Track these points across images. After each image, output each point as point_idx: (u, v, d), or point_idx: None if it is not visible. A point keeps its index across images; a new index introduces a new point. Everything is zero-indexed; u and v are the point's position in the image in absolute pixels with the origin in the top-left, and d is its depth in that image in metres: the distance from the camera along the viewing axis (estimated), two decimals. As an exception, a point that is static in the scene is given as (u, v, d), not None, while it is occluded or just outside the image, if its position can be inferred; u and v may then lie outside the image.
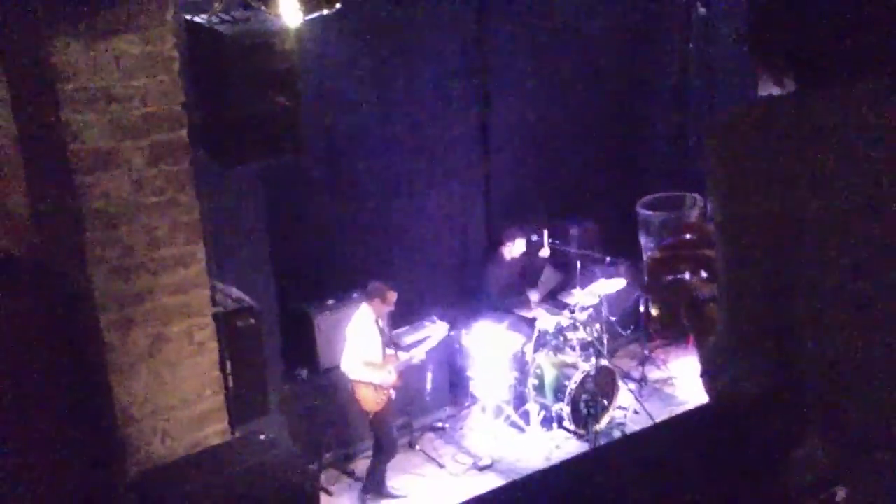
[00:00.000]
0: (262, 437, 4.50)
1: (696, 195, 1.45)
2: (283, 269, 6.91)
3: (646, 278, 1.44)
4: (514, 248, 8.20)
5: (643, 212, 1.45)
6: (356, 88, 7.50)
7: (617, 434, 7.64)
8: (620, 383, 7.88)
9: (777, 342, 1.17)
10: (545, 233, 8.41)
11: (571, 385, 7.41)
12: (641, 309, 8.57)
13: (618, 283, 8.31)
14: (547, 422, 7.72)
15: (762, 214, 1.13)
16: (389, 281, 6.97)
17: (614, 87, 9.19)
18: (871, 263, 1.07)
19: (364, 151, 7.67)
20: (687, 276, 1.41)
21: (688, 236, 1.42)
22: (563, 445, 7.51)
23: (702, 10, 8.90)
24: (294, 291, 7.19)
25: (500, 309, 8.07)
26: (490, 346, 7.66)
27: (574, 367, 7.56)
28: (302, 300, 7.32)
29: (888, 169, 1.06)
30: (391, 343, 7.01)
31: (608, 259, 8.27)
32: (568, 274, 8.54)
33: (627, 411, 7.89)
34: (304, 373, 7.14)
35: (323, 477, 7.06)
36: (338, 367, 6.96)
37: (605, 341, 8.26)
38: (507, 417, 7.80)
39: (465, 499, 4.51)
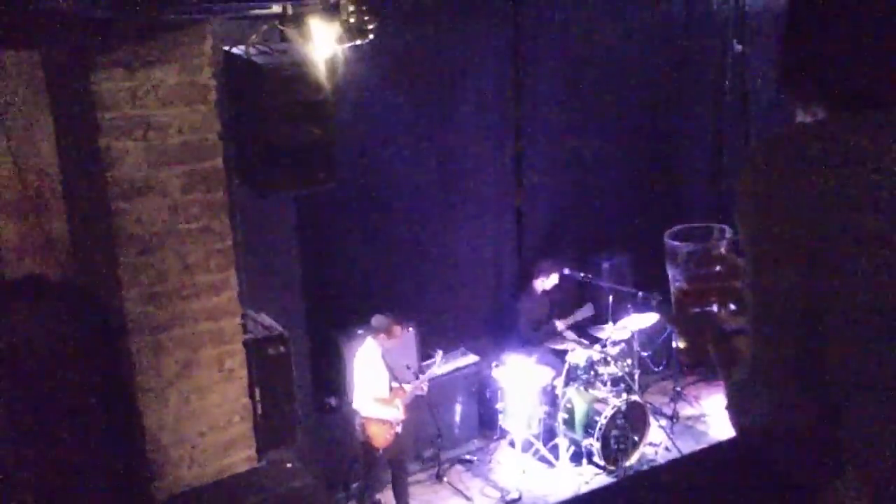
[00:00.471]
0: (289, 465, 4.50)
1: (725, 226, 1.44)
2: (313, 297, 6.94)
3: (673, 310, 1.43)
4: (547, 282, 8.18)
5: (671, 242, 1.44)
6: (391, 118, 7.55)
7: (647, 471, 7.55)
8: (651, 419, 7.80)
9: (807, 374, 1.16)
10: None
11: (602, 420, 7.34)
12: (674, 345, 8.49)
13: (650, 318, 8.25)
14: (576, 457, 7.65)
15: (793, 241, 1.12)
16: (420, 312, 6.97)
17: (649, 121, 9.19)
18: None
19: (397, 181, 7.71)
20: (714, 308, 1.40)
21: (716, 268, 1.41)
22: (592, 481, 7.43)
23: (738, 47, 8.89)
24: (324, 320, 7.21)
25: (531, 342, 8.04)
26: (520, 379, 7.62)
27: (605, 402, 7.49)
28: (332, 328, 7.34)
29: None
30: (396, 376, 6.93)
31: (640, 294, 8.21)
32: (599, 308, 8.49)
33: (658, 448, 7.80)
34: (332, 401, 7.14)
35: (349, 507, 7.03)
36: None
37: (637, 377, 8.19)
38: (536, 451, 7.73)
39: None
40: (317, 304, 7.04)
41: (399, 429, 6.75)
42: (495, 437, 8.05)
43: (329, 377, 7.24)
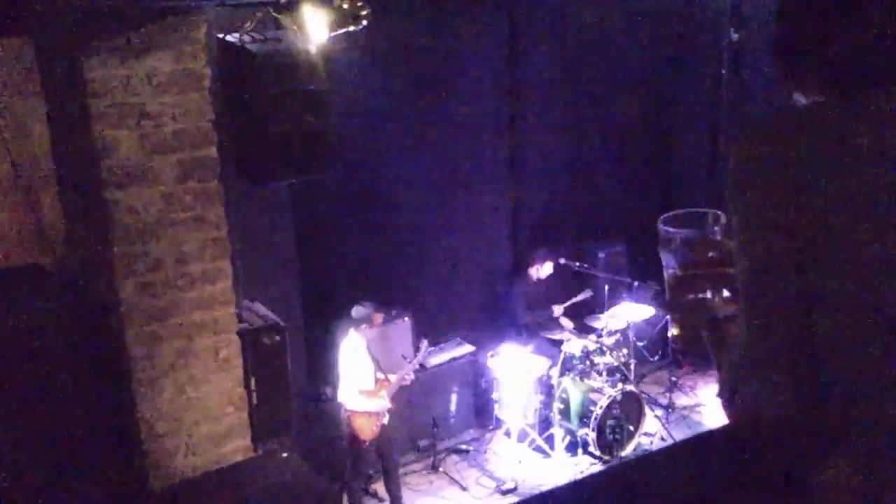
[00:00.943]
0: (284, 454, 4.50)
1: (719, 212, 1.43)
2: (309, 287, 6.92)
3: (666, 296, 1.42)
4: (542, 270, 8.17)
5: (665, 228, 1.43)
6: (386, 108, 7.52)
7: (643, 461, 7.56)
8: (647, 409, 7.80)
9: (799, 361, 1.15)
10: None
11: (597, 410, 7.34)
12: (669, 335, 8.47)
13: (645, 310, 8.25)
14: (572, 447, 7.65)
15: (785, 224, 1.11)
16: (415, 302, 6.95)
17: (645, 111, 9.17)
18: None
19: (393, 171, 7.68)
20: (708, 294, 1.39)
21: (710, 254, 1.40)
22: (587, 471, 7.43)
23: (734, 35, 8.87)
24: (320, 310, 7.19)
25: (526, 328, 8.03)
26: (515, 369, 7.62)
27: (600, 392, 7.49)
28: (328, 318, 7.32)
29: None
30: (381, 367, 6.89)
31: (636, 283, 8.21)
32: (595, 298, 8.49)
33: (654, 438, 7.80)
34: (328, 391, 7.13)
35: (345, 497, 7.02)
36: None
37: (633, 367, 8.18)
38: (532, 441, 7.73)
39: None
40: (313, 294, 7.03)
41: (385, 420, 6.72)
42: (491, 427, 8.05)
43: (325, 367, 7.23)
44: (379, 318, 6.69)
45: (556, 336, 8.06)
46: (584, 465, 7.50)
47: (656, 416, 7.97)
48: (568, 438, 7.65)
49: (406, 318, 7.54)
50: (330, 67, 4.56)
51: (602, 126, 8.87)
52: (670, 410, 8.29)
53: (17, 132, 4.56)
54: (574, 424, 7.55)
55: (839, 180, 1.07)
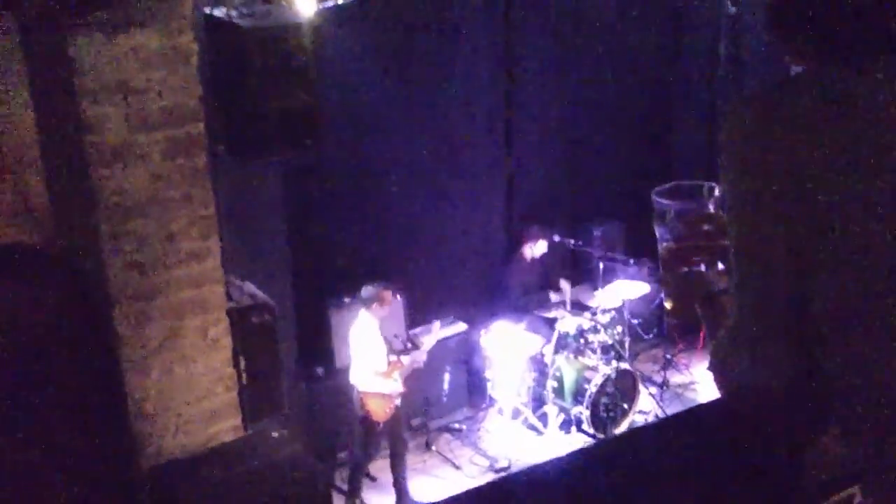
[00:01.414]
0: (275, 434, 4.46)
1: (713, 184, 1.39)
2: (300, 266, 6.88)
3: (660, 270, 1.38)
4: (536, 248, 8.13)
5: (659, 201, 1.39)
6: (378, 86, 7.45)
7: (636, 439, 7.56)
8: (641, 387, 7.79)
9: (792, 331, 1.12)
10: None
11: (591, 388, 7.33)
12: (667, 306, 8.45)
13: (640, 288, 8.23)
14: (566, 425, 7.64)
15: (778, 194, 1.07)
16: (408, 280, 6.91)
17: (641, 86, 9.10)
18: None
19: (386, 149, 7.62)
20: (702, 267, 1.35)
21: (704, 227, 1.36)
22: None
23: (731, 8, 8.78)
24: (311, 289, 7.15)
25: (520, 309, 8.00)
26: (509, 347, 7.60)
27: (594, 369, 7.48)
28: (319, 298, 7.28)
29: None
30: (395, 349, 6.88)
31: (631, 261, 8.18)
32: (590, 275, 8.46)
33: (648, 416, 7.80)
34: (319, 371, 7.11)
35: (336, 476, 7.02)
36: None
37: (627, 344, 8.18)
38: (525, 420, 7.73)
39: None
40: (304, 273, 6.99)
41: (398, 402, 6.69)
42: (484, 406, 8.04)
43: (316, 347, 7.20)
44: (389, 296, 6.64)
45: (550, 314, 8.04)
46: (578, 443, 7.49)
47: (651, 394, 7.97)
48: (562, 416, 7.64)
49: (398, 297, 7.50)
50: (320, 42, 4.50)
51: (598, 102, 8.81)
52: (665, 388, 8.28)
53: (1, 109, 4.49)
54: (568, 402, 7.54)
55: (834, 147, 1.03)
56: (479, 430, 7.87)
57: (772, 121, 1.08)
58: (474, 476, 7.24)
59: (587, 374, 7.48)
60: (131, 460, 4.33)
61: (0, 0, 4.26)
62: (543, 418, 7.68)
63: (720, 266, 1.33)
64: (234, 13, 4.30)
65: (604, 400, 7.40)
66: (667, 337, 8.73)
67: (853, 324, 1.05)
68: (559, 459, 4.76)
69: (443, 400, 7.87)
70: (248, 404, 4.58)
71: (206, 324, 4.39)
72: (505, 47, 8.18)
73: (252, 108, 4.35)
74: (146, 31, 4.05)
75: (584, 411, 7.37)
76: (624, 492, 1.17)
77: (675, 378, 8.50)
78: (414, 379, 7.09)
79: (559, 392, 7.60)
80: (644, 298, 8.43)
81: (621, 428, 7.53)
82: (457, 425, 7.90)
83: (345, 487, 6.95)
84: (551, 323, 7.87)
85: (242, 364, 4.49)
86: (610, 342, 7.81)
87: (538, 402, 7.73)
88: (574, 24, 8.48)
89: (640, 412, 7.78)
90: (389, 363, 6.68)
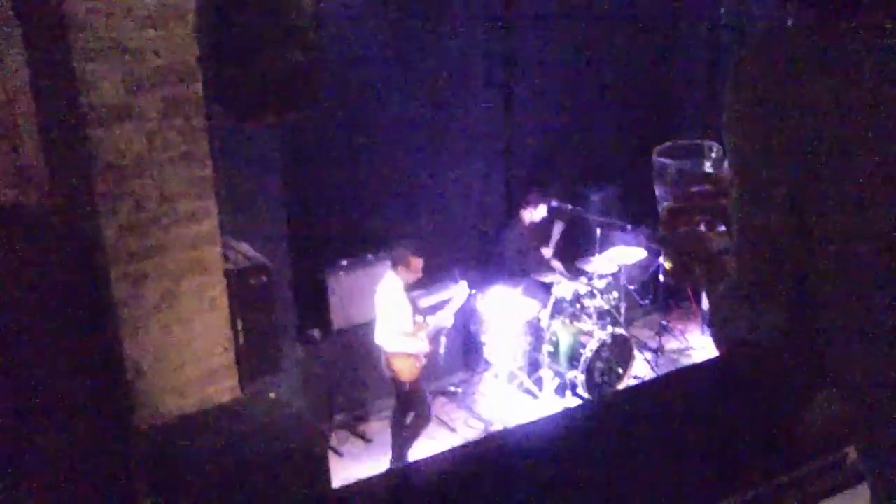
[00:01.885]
0: (271, 395, 4.48)
1: (715, 143, 1.38)
2: (297, 229, 6.87)
3: (660, 229, 1.37)
4: (535, 213, 8.12)
5: (659, 160, 1.38)
6: (377, 48, 7.40)
7: (631, 403, 7.59)
8: (636, 352, 7.83)
9: (791, 290, 1.11)
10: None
11: (587, 353, 7.36)
12: (661, 278, 8.49)
13: (637, 253, 8.23)
14: (560, 389, 7.68)
15: (779, 147, 1.06)
16: (405, 242, 6.89)
17: (641, 52, 9.04)
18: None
19: (384, 112, 7.58)
20: (702, 227, 1.34)
21: (705, 186, 1.35)
22: (576, 413, 7.47)
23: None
24: (308, 251, 7.15)
25: (517, 273, 8.01)
26: (505, 311, 7.61)
27: (590, 334, 7.50)
28: (315, 261, 7.28)
29: None
30: (420, 309, 6.91)
31: (628, 226, 8.18)
32: (587, 240, 8.46)
33: (643, 380, 7.84)
34: (316, 333, 7.12)
35: (334, 438, 7.06)
36: (351, 328, 6.92)
37: (623, 310, 8.20)
38: (521, 384, 7.76)
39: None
40: (301, 235, 6.98)
41: (424, 361, 6.75)
42: (480, 370, 8.07)
43: (313, 309, 7.21)
44: (415, 262, 6.60)
45: (547, 279, 8.05)
46: (573, 407, 7.53)
47: (646, 360, 8.01)
48: (557, 381, 7.68)
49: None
50: (318, 2, 4.44)
51: (598, 66, 8.76)
52: (660, 354, 8.32)
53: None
54: (563, 367, 7.57)
55: (836, 100, 1.01)
56: (474, 393, 7.91)
57: (775, 72, 1.07)
58: (469, 439, 7.28)
59: (583, 338, 7.50)
60: (128, 421, 4.34)
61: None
62: (539, 382, 7.72)
63: (721, 227, 1.32)
64: (230, -29, 4.24)
65: (599, 365, 7.43)
66: (663, 303, 8.75)
67: (854, 283, 1.05)
68: (551, 417, 4.79)
69: (439, 363, 7.88)
70: (244, 365, 4.59)
71: (203, 285, 4.39)
72: (504, 10, 8.11)
73: (249, 69, 4.30)
74: (142, -12, 4.01)
75: (579, 376, 7.40)
76: (617, 449, 1.18)
77: (671, 344, 8.54)
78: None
79: (554, 356, 7.63)
80: (641, 264, 8.44)
81: (616, 392, 7.57)
82: (452, 388, 7.94)
83: (341, 449, 7.00)
84: (548, 288, 7.88)
85: (239, 325, 4.49)
86: (606, 307, 7.83)
87: (534, 366, 7.77)
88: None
89: (634, 377, 7.81)
90: (415, 324, 6.71)
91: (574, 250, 8.56)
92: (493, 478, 1.16)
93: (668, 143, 1.40)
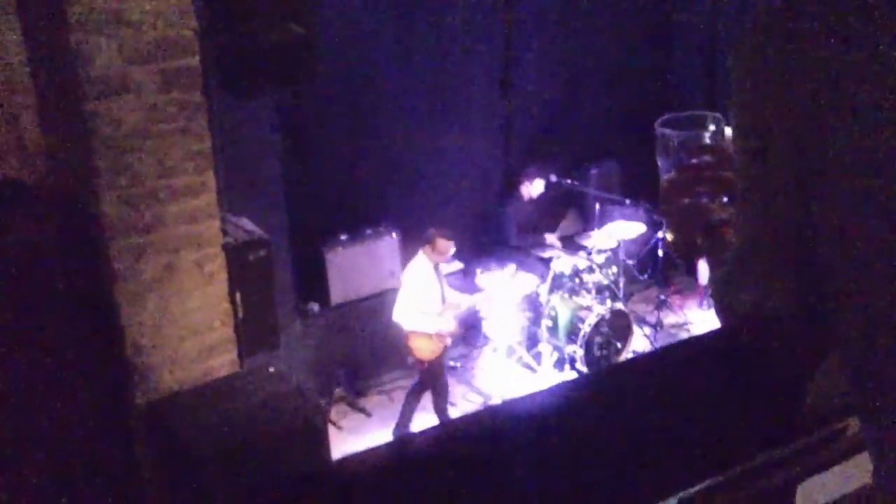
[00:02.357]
0: (271, 369, 4.48)
1: (718, 114, 1.36)
2: (295, 203, 6.85)
3: (661, 201, 1.36)
4: (533, 188, 8.10)
5: (662, 130, 1.36)
6: (375, 22, 7.35)
7: (629, 378, 7.62)
8: (635, 327, 7.84)
9: (797, 259, 1.10)
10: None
11: (585, 328, 7.37)
12: (660, 253, 8.49)
13: (636, 228, 8.22)
14: (559, 363, 7.70)
15: (788, 118, 1.04)
16: (405, 219, 6.89)
17: (641, 25, 8.98)
18: None
19: (382, 86, 7.55)
20: (704, 199, 1.33)
21: (707, 158, 1.34)
22: (575, 387, 7.49)
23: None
24: (306, 226, 7.13)
25: (515, 249, 8.00)
26: (504, 286, 7.61)
27: (589, 309, 7.51)
28: (314, 235, 7.27)
29: None
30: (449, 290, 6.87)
31: (628, 201, 8.17)
32: (586, 216, 8.45)
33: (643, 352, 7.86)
34: (315, 308, 7.12)
35: (333, 412, 7.08)
36: (349, 303, 6.92)
37: (622, 285, 8.20)
38: (519, 358, 7.78)
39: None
40: (299, 210, 6.96)
41: (449, 342, 6.72)
42: (479, 344, 8.08)
43: (312, 284, 7.21)
44: (442, 244, 6.56)
45: (546, 254, 8.05)
46: (572, 382, 7.55)
47: (644, 334, 8.02)
48: (555, 355, 7.69)
49: (394, 234, 7.50)
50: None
51: (597, 41, 8.71)
52: (658, 328, 8.33)
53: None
54: (562, 341, 7.58)
55: (847, 58, 0.99)
56: (473, 367, 7.93)
57: (787, 31, 1.05)
58: (468, 413, 7.31)
59: (581, 313, 7.51)
60: (127, 395, 4.35)
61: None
62: (537, 357, 7.74)
63: (724, 199, 1.31)
64: (228, -57, 4.21)
65: (597, 339, 7.44)
66: (662, 278, 8.76)
67: (863, 250, 1.03)
68: (553, 387, 4.80)
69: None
70: (243, 339, 4.60)
71: (201, 259, 4.39)
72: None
73: (247, 42, 4.28)
74: (139, -40, 3.97)
75: (577, 350, 7.41)
76: (617, 420, 1.18)
77: (669, 318, 8.55)
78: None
79: (553, 331, 7.64)
80: (640, 239, 8.44)
81: (614, 367, 7.59)
82: (452, 363, 7.95)
83: (340, 423, 7.03)
84: (547, 262, 7.88)
85: (238, 299, 4.49)
86: (605, 282, 7.83)
87: (532, 340, 7.78)
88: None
89: (633, 352, 7.83)
90: (446, 304, 6.68)
91: (573, 225, 8.55)
92: (492, 448, 1.16)
93: (671, 114, 1.39)
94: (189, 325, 4.41)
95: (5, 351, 4.05)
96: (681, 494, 1.33)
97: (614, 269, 8.12)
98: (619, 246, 8.17)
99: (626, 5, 8.72)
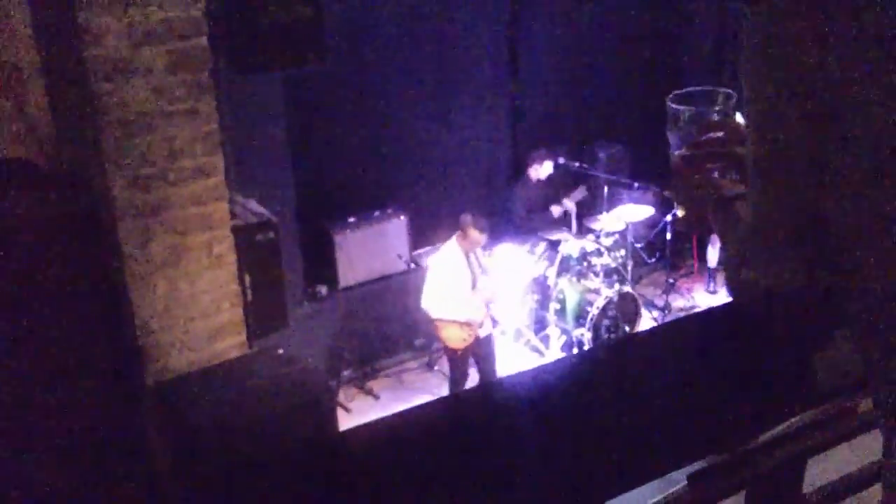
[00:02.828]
0: (279, 351, 4.49)
1: (730, 91, 1.35)
2: (304, 185, 6.85)
3: (672, 177, 1.35)
4: (542, 170, 8.08)
5: (673, 106, 1.35)
6: (384, 5, 7.32)
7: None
8: (643, 310, 7.83)
9: (808, 235, 1.09)
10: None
11: (593, 311, 7.36)
12: (668, 237, 8.46)
13: (645, 211, 8.20)
14: (567, 347, 7.69)
15: (802, 94, 1.03)
16: (413, 201, 6.85)
17: (651, 5, 8.92)
18: None
19: (391, 68, 7.52)
20: (715, 174, 1.32)
21: (718, 133, 1.33)
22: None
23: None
24: (315, 209, 7.13)
25: (524, 231, 7.99)
26: (512, 269, 7.60)
27: (597, 292, 7.50)
28: (322, 218, 7.27)
29: None
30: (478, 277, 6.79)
31: (636, 184, 8.14)
32: (594, 198, 8.43)
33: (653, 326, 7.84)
34: (323, 290, 7.13)
35: (341, 394, 7.10)
36: (357, 285, 6.92)
37: (630, 268, 8.19)
38: (528, 341, 7.78)
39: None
40: (307, 192, 6.96)
41: (482, 331, 6.66)
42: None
43: (319, 266, 7.22)
44: (473, 233, 6.49)
45: (554, 237, 8.03)
46: (580, 365, 7.55)
47: (653, 318, 8.01)
48: (563, 338, 7.69)
49: (402, 217, 7.49)
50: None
51: (605, 23, 8.66)
52: (666, 312, 8.33)
53: None
54: (570, 324, 7.58)
55: (861, 35, 0.98)
56: (481, 351, 7.91)
57: (798, 17, 1.03)
58: (476, 396, 7.32)
59: (589, 296, 7.50)
60: (137, 376, 4.36)
61: None
62: (545, 340, 7.74)
63: (734, 174, 1.31)
64: (236, -77, 4.19)
65: (605, 322, 7.43)
66: (670, 261, 8.74)
67: (872, 227, 1.03)
68: (558, 361, 4.78)
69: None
70: (252, 321, 4.60)
71: (210, 241, 4.38)
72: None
73: (255, 21, 4.27)
74: (147, -61, 3.95)
75: (585, 333, 7.41)
76: (624, 393, 1.18)
77: (677, 302, 8.54)
78: (417, 299, 7.11)
79: (561, 314, 7.64)
80: (648, 222, 8.42)
81: (623, 350, 7.59)
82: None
83: (349, 405, 7.04)
84: (555, 245, 7.87)
85: (247, 281, 4.49)
86: (613, 265, 7.82)
87: (540, 324, 7.78)
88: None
89: (641, 335, 7.82)
90: (476, 291, 6.63)
91: (582, 208, 8.53)
92: (495, 421, 1.16)
93: (684, 90, 1.38)
94: (198, 306, 4.41)
95: (14, 332, 4.06)
96: (688, 470, 1.33)
97: (622, 252, 8.10)
98: (627, 229, 8.15)
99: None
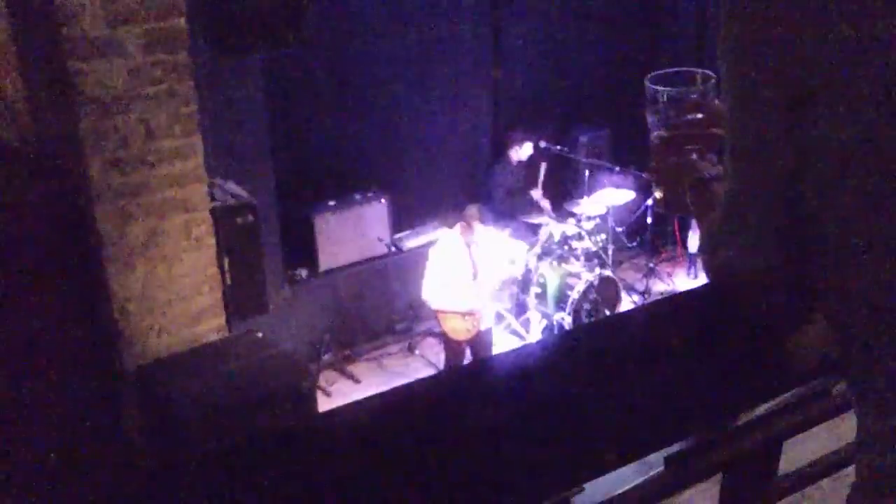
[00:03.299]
0: (259, 335, 4.47)
1: (709, 72, 1.35)
2: (283, 168, 6.80)
3: (651, 158, 1.35)
4: (522, 152, 8.06)
5: (652, 86, 1.35)
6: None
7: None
8: (624, 295, 7.85)
9: (785, 216, 1.09)
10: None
11: (574, 294, 7.37)
12: (648, 221, 8.49)
13: (626, 195, 8.21)
14: (548, 330, 7.71)
15: (779, 75, 1.02)
16: (393, 184, 6.82)
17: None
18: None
19: (371, 50, 7.47)
20: (694, 156, 1.32)
21: (696, 115, 1.32)
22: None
23: None
24: (294, 192, 7.09)
25: (504, 214, 7.98)
26: (492, 252, 7.59)
27: (577, 276, 7.51)
28: (302, 200, 7.24)
29: None
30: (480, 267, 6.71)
31: (617, 168, 8.14)
32: (576, 183, 8.43)
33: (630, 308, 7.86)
34: (303, 273, 7.11)
35: (322, 378, 7.09)
36: (338, 269, 6.90)
37: (611, 252, 8.20)
38: (508, 325, 7.79)
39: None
40: (288, 175, 6.92)
41: (481, 322, 6.61)
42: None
43: (299, 250, 7.19)
44: (475, 224, 6.42)
45: (535, 220, 8.03)
46: (560, 349, 7.57)
47: (633, 302, 8.03)
48: (544, 322, 7.70)
49: (383, 200, 7.47)
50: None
51: (586, 5, 8.63)
52: (647, 296, 8.35)
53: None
54: (550, 308, 7.59)
55: (845, 26, 0.98)
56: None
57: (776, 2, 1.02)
58: (457, 379, 7.33)
59: (570, 280, 7.51)
60: (116, 360, 4.34)
61: None
62: (526, 324, 7.75)
63: (712, 155, 1.30)
64: None
65: (586, 306, 7.44)
66: (650, 245, 8.77)
67: (850, 209, 1.02)
68: (538, 341, 4.76)
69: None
70: (231, 305, 4.58)
71: (189, 223, 4.36)
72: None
73: (234, 2, 4.23)
74: (123, -82, 3.91)
75: (566, 317, 7.42)
76: (601, 373, 1.18)
77: (658, 286, 8.57)
78: (396, 283, 7.10)
79: (542, 298, 7.65)
80: (629, 206, 8.43)
81: (603, 334, 7.61)
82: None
83: (329, 389, 7.04)
84: (535, 229, 7.87)
85: (226, 264, 4.46)
86: (594, 249, 7.83)
87: (521, 308, 7.78)
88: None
89: (621, 319, 7.84)
90: (476, 281, 6.57)
91: (562, 191, 8.54)
92: (476, 400, 1.15)
93: (662, 71, 1.37)
94: (177, 290, 4.39)
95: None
96: (665, 452, 1.33)
97: (603, 236, 8.11)
98: (608, 213, 8.16)
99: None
